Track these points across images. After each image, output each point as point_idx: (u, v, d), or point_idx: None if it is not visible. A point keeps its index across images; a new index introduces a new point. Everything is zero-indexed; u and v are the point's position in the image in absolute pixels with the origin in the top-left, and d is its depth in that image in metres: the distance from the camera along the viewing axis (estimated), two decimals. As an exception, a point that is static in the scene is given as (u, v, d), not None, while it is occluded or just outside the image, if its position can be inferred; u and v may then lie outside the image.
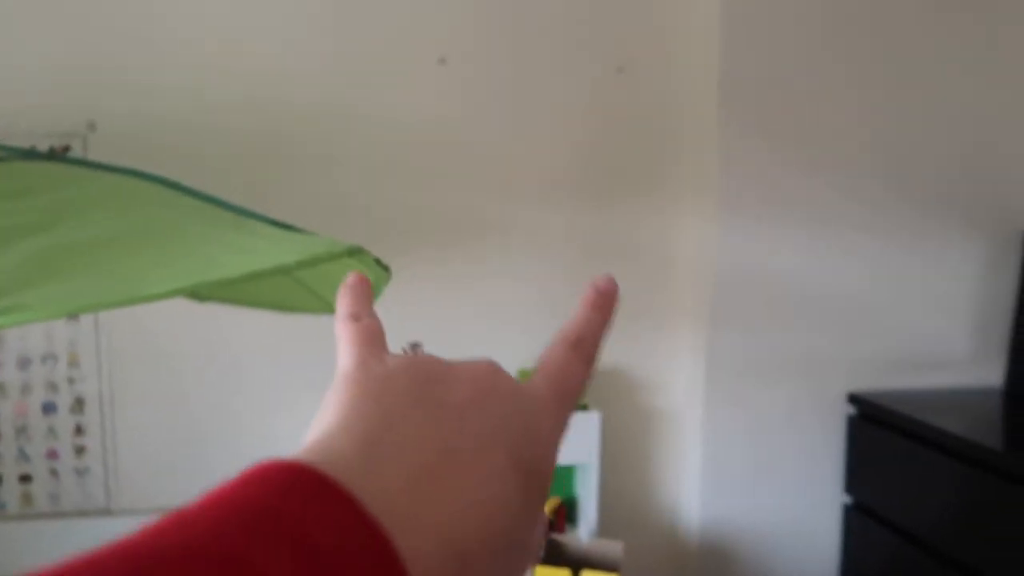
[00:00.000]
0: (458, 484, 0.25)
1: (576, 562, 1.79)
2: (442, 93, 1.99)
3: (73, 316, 1.96)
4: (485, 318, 2.05)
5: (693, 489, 2.10)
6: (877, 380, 2.08)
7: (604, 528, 2.02)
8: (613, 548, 1.87)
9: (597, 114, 2.06)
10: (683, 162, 2.10)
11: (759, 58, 1.96)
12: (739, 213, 1.99)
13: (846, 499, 2.10)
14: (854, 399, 2.05)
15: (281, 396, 1.98)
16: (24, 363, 1.96)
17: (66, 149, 1.86)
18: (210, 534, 0.19)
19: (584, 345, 0.35)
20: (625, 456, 2.15)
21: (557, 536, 1.92)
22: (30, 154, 1.49)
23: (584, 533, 1.98)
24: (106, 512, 2.00)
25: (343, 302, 0.36)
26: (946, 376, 2.11)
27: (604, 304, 0.37)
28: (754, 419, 2.06)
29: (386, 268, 1.33)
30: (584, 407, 1.99)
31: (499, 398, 0.30)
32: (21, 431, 1.96)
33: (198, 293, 1.37)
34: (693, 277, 2.09)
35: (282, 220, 1.33)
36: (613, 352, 2.12)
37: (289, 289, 1.42)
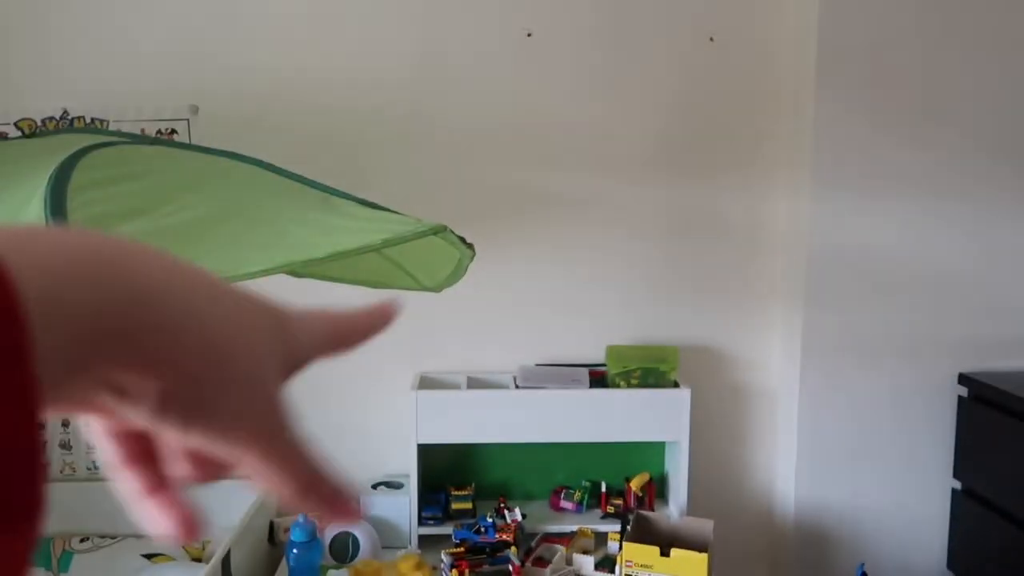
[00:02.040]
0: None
1: (665, 539, 1.77)
2: (529, 66, 1.97)
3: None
4: (575, 292, 2.04)
5: (788, 470, 2.04)
6: (988, 361, 1.97)
7: (694, 506, 1.99)
8: (703, 526, 1.84)
9: (688, 86, 2.00)
10: (777, 135, 2.02)
11: (859, 25, 1.86)
12: (836, 187, 1.90)
13: (955, 484, 2.00)
14: (965, 380, 1.94)
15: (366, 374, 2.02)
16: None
17: (172, 133, 1.95)
18: None
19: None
20: (716, 434, 2.10)
21: (646, 513, 1.91)
22: (138, 139, 1.57)
23: (674, 511, 1.96)
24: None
25: None
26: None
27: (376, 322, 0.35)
28: (855, 400, 1.98)
29: (470, 246, 1.34)
30: (675, 384, 1.96)
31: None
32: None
33: (293, 270, 1.42)
34: (786, 252, 2.02)
35: (372, 200, 1.35)
36: (703, 328, 2.08)
37: (380, 266, 1.45)
